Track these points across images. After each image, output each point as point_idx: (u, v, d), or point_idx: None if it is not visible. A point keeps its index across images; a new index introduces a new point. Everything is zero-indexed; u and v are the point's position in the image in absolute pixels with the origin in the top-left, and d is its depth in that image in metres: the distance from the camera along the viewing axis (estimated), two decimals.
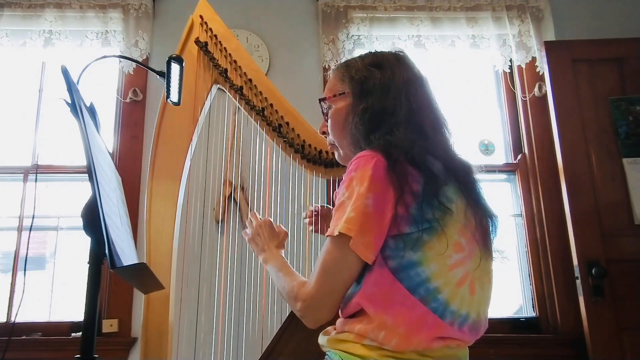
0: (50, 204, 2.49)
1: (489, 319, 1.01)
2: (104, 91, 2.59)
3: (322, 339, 1.02)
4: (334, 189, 1.54)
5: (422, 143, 0.97)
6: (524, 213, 2.53)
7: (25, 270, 1.73)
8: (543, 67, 2.55)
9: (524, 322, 2.41)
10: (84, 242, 0.96)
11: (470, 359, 1.00)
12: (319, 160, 1.60)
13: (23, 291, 1.48)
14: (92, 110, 1.19)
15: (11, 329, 2.11)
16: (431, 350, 0.92)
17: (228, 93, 1.68)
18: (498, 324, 2.35)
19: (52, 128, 2.51)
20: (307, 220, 1.48)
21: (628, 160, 2.33)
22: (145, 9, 2.57)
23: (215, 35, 1.69)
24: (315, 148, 1.61)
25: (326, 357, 0.99)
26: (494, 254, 1.02)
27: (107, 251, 0.87)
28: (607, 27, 2.61)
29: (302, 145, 1.61)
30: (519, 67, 2.63)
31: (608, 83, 2.42)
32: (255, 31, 2.62)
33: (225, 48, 1.69)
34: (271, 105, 1.65)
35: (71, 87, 1.00)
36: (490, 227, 1.02)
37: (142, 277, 1.16)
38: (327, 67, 2.55)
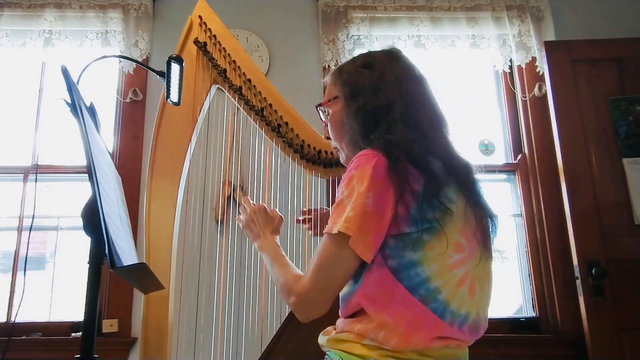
0: (50, 204, 2.49)
1: (489, 319, 1.01)
2: (104, 91, 2.59)
3: (322, 339, 1.02)
4: (333, 189, 1.55)
5: (422, 142, 0.97)
6: (524, 213, 2.53)
7: (25, 270, 1.73)
8: (543, 67, 2.55)
9: (524, 322, 2.41)
10: (84, 242, 0.96)
11: (470, 359, 1.00)
12: (318, 160, 1.60)
13: (23, 291, 1.48)
14: (92, 110, 1.19)
15: (11, 329, 2.11)
16: (431, 350, 0.92)
17: (227, 93, 1.68)
18: (498, 324, 2.35)
19: (52, 128, 2.51)
20: (305, 226, 1.48)
21: (628, 160, 2.33)
22: (145, 9, 2.57)
23: (215, 36, 1.69)
24: (314, 148, 1.61)
25: (326, 357, 0.99)
26: (494, 254, 1.02)
27: (107, 251, 0.87)
28: (607, 27, 2.61)
29: (302, 145, 1.61)
30: (519, 67, 2.63)
31: (608, 83, 2.42)
32: (255, 31, 2.62)
33: (224, 48, 1.69)
34: (270, 105, 1.65)
35: (71, 87, 1.00)
36: (491, 227, 1.02)
37: (142, 277, 1.16)
38: (327, 67, 2.55)
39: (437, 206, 0.91)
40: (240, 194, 1.34)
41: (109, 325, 2.23)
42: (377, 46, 2.59)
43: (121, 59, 2.46)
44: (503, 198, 2.63)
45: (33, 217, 1.75)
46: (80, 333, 0.96)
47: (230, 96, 1.67)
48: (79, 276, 2.29)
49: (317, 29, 2.66)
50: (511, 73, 2.70)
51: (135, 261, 1.09)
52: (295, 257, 1.76)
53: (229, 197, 2.34)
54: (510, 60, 2.65)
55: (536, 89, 2.60)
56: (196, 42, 1.68)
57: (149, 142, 2.24)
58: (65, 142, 2.54)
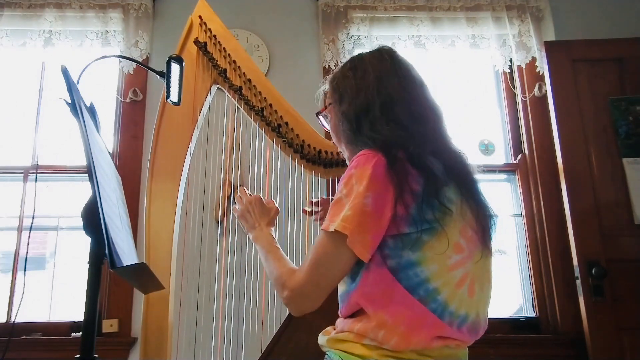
0: (50, 204, 2.49)
1: (489, 319, 1.01)
2: (104, 91, 2.59)
3: (321, 339, 1.03)
4: (333, 189, 1.55)
5: (416, 139, 0.97)
6: (524, 213, 2.53)
7: (25, 270, 1.73)
8: (543, 67, 2.55)
9: (524, 322, 2.41)
10: (84, 242, 0.96)
11: (470, 359, 1.00)
12: (318, 160, 1.60)
13: (23, 291, 1.48)
14: (92, 110, 1.19)
15: (11, 329, 2.11)
16: (431, 350, 0.92)
17: (227, 93, 1.68)
18: (498, 324, 2.35)
19: (52, 128, 2.51)
20: (312, 217, 1.47)
21: (628, 160, 2.33)
22: (145, 9, 2.57)
23: (215, 36, 1.69)
24: (314, 148, 1.61)
25: (326, 356, 0.99)
26: (495, 254, 1.02)
27: (107, 251, 0.87)
28: (607, 27, 2.61)
29: (302, 145, 1.61)
30: (519, 67, 2.63)
31: (608, 83, 2.42)
32: (255, 31, 2.62)
33: (224, 48, 1.69)
34: (270, 105, 1.65)
35: (71, 87, 1.00)
36: (491, 227, 1.02)
37: (142, 277, 1.16)
38: (327, 67, 2.55)
39: (437, 206, 0.91)
40: (240, 189, 1.34)
41: (109, 325, 2.23)
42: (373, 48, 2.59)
43: (121, 59, 2.46)
44: (503, 198, 2.62)
45: (33, 217, 1.75)
46: (80, 333, 0.96)
47: (230, 96, 1.67)
48: (79, 276, 2.29)
49: (317, 29, 2.66)
50: (511, 73, 2.70)
51: (135, 261, 1.09)
52: (295, 256, 1.76)
53: (229, 198, 2.34)
54: (510, 60, 2.65)
55: (536, 89, 2.60)
56: (196, 42, 1.68)
57: (149, 142, 2.24)
58: (65, 142, 2.54)
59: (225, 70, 1.67)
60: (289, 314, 1.51)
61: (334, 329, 1.02)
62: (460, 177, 0.99)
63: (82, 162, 1.81)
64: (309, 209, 1.47)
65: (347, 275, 0.98)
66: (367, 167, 0.92)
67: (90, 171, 0.93)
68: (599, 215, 2.26)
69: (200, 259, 2.04)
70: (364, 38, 2.63)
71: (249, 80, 1.67)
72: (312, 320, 1.45)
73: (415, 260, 0.90)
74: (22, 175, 2.43)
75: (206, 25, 1.70)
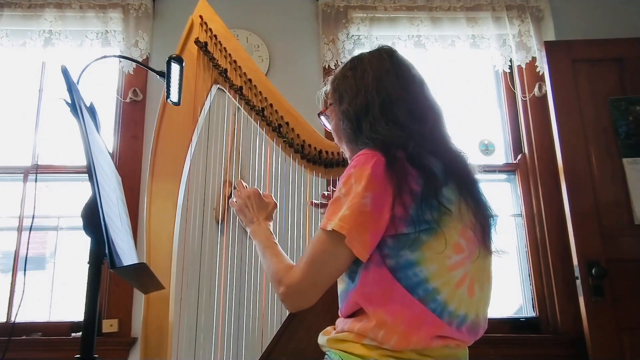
0: (50, 204, 2.49)
1: (489, 319, 1.01)
2: (104, 91, 2.59)
3: (321, 339, 1.03)
4: (333, 189, 1.54)
5: (416, 139, 0.97)
6: (524, 213, 2.53)
7: (25, 270, 1.73)
8: (543, 67, 2.55)
9: (524, 322, 2.41)
10: (84, 242, 0.96)
11: (470, 359, 1.00)
12: (319, 160, 1.60)
13: (23, 291, 1.48)
14: (92, 110, 1.19)
15: (11, 329, 2.11)
16: (431, 350, 0.92)
17: (228, 93, 1.68)
18: (498, 324, 2.35)
19: (52, 128, 2.51)
20: (320, 210, 1.47)
21: (628, 160, 2.33)
22: (145, 9, 2.56)
23: (215, 36, 1.69)
24: (315, 148, 1.61)
25: (326, 356, 0.99)
26: (496, 255, 1.02)
27: (107, 251, 0.87)
28: (607, 27, 2.61)
29: (302, 145, 1.61)
30: (519, 67, 2.63)
31: (608, 83, 2.42)
32: (255, 31, 2.62)
33: (225, 48, 1.69)
34: (271, 105, 1.65)
35: (71, 87, 1.00)
36: (491, 227, 1.02)
37: (142, 277, 1.16)
38: (327, 67, 2.55)
39: (436, 207, 0.91)
40: (237, 182, 1.34)
41: (109, 325, 2.23)
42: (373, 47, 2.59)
43: (121, 59, 2.46)
44: (503, 198, 2.63)
45: (33, 217, 1.75)
46: (80, 333, 0.96)
47: (231, 96, 1.67)
48: (79, 276, 2.29)
49: (317, 29, 2.66)
50: (511, 73, 2.70)
51: (135, 261, 1.09)
52: (295, 256, 1.76)
53: (229, 197, 2.33)
54: (510, 60, 2.65)
55: (536, 89, 2.60)
56: (197, 42, 1.68)
57: (149, 142, 2.24)
58: (65, 142, 2.54)
59: (225, 70, 1.67)
60: (290, 314, 1.51)
61: (334, 329, 1.02)
62: (460, 177, 0.99)
63: (82, 162, 1.81)
64: (317, 202, 1.46)
65: (346, 274, 0.98)
66: (366, 167, 0.92)
67: (90, 171, 0.93)
68: (599, 215, 2.26)
69: (200, 259, 2.04)
70: (364, 38, 2.63)
71: (250, 80, 1.67)
72: (312, 320, 1.45)
73: (415, 260, 0.90)
74: (22, 175, 2.43)
75: (207, 25, 1.70)
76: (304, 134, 1.63)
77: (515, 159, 2.62)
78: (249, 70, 1.68)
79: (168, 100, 1.57)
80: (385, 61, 1.08)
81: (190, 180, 1.73)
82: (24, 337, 2.21)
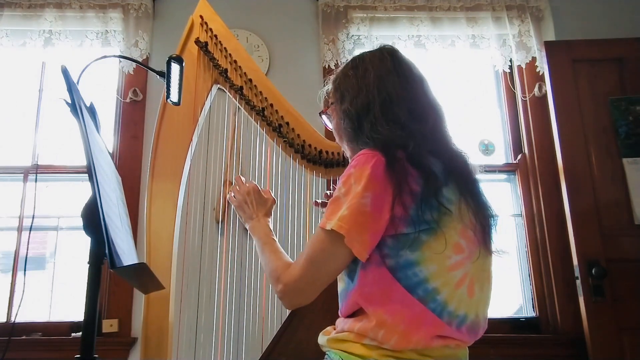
0: (50, 204, 2.49)
1: (489, 319, 1.01)
2: (104, 91, 2.59)
3: (322, 339, 1.03)
4: (334, 189, 1.54)
5: (416, 139, 0.97)
6: (524, 213, 2.53)
7: (25, 270, 1.73)
8: (543, 67, 2.55)
9: (524, 322, 2.41)
10: (84, 242, 0.96)
11: (470, 359, 1.00)
12: (319, 160, 1.60)
13: (23, 291, 1.48)
14: (92, 110, 1.19)
15: (11, 329, 2.11)
16: (431, 350, 0.92)
17: (228, 93, 1.68)
18: (498, 324, 2.35)
19: (52, 128, 2.51)
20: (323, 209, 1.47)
21: (628, 160, 2.33)
22: (145, 9, 2.56)
23: (216, 35, 1.69)
24: (315, 148, 1.61)
25: (326, 356, 0.99)
26: (497, 255, 1.02)
27: (107, 251, 0.87)
28: (607, 27, 2.61)
29: (302, 145, 1.61)
30: (519, 67, 2.63)
31: (608, 83, 2.42)
32: (255, 31, 2.62)
33: (225, 48, 1.69)
34: (271, 105, 1.65)
35: (71, 87, 1.00)
36: (491, 227, 1.02)
37: (142, 277, 1.16)
38: (327, 67, 2.55)
39: (436, 207, 0.91)
40: (236, 177, 1.34)
41: (109, 325, 2.23)
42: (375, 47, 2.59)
43: (121, 59, 2.46)
44: (503, 198, 2.63)
45: (33, 217, 1.75)
46: (80, 333, 0.96)
47: (231, 96, 1.67)
48: (79, 276, 2.29)
49: (317, 29, 2.66)
50: (511, 73, 2.70)
51: (135, 261, 1.09)
52: (295, 256, 1.75)
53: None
54: (510, 60, 2.65)
55: (536, 89, 2.60)
56: (197, 42, 1.67)
57: (149, 142, 2.24)
58: (65, 142, 2.54)
59: (226, 70, 1.67)
60: (290, 314, 1.51)
61: (334, 329, 1.02)
62: (460, 177, 0.98)
63: (82, 162, 1.81)
64: (320, 201, 1.46)
65: (346, 273, 0.98)
66: (366, 167, 0.92)
67: (90, 171, 0.93)
68: (599, 215, 2.26)
69: (200, 259, 2.04)
70: (364, 38, 2.63)
71: (250, 80, 1.67)
72: (312, 320, 1.45)
73: (414, 260, 0.90)
74: (22, 175, 2.43)
75: (207, 25, 1.69)
76: (304, 134, 1.63)
77: (515, 159, 2.62)
78: (250, 70, 1.68)
79: (168, 100, 1.57)
80: (387, 60, 1.08)
81: (190, 181, 1.73)
82: (24, 337, 2.21)
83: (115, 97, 2.55)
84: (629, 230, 2.25)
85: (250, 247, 2.14)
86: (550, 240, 2.42)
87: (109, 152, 1.78)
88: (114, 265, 0.87)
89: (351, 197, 0.91)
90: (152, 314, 1.49)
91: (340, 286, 1.01)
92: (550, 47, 2.47)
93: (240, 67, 1.68)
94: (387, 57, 1.09)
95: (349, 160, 1.13)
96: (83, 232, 0.96)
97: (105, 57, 1.67)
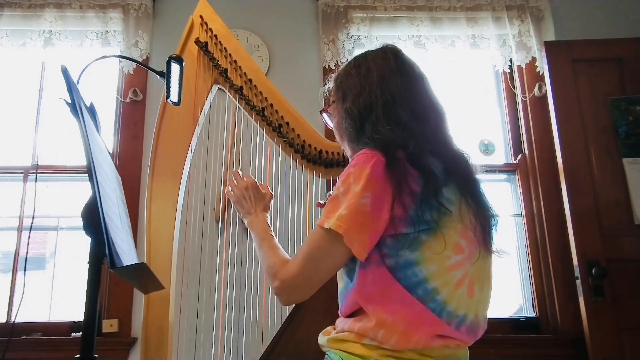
0: (50, 204, 2.49)
1: (489, 319, 1.01)
2: (104, 91, 2.59)
3: (322, 339, 1.03)
4: None
5: (417, 139, 0.97)
6: (524, 213, 2.53)
7: (25, 270, 1.73)
8: (543, 67, 2.55)
9: (524, 322, 2.41)
10: (84, 242, 0.96)
11: (470, 359, 1.00)
12: (319, 160, 1.60)
13: (23, 291, 1.48)
14: (92, 110, 1.19)
15: (11, 329, 2.11)
16: (431, 350, 0.92)
17: (228, 93, 1.68)
18: (498, 324, 2.35)
19: (52, 128, 2.51)
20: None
21: (628, 160, 2.33)
22: (145, 9, 2.56)
23: (216, 35, 1.69)
24: (315, 148, 1.61)
25: (326, 356, 0.99)
26: (498, 255, 1.02)
27: (107, 251, 0.87)
28: (607, 27, 2.61)
29: (302, 145, 1.61)
30: (519, 67, 2.63)
31: (608, 83, 2.42)
32: (255, 31, 2.62)
33: (225, 48, 1.69)
34: (271, 105, 1.65)
35: (71, 87, 1.00)
36: (491, 228, 1.01)
37: (142, 277, 1.16)
38: (327, 67, 2.55)
39: (436, 207, 0.91)
40: (234, 172, 1.34)
41: (109, 325, 2.23)
42: (377, 46, 2.59)
43: (121, 59, 2.46)
44: (503, 198, 2.63)
45: (33, 217, 1.75)
46: (80, 333, 0.96)
47: (231, 96, 1.67)
48: (79, 276, 2.29)
49: (317, 29, 2.66)
50: (511, 73, 2.70)
51: (135, 261, 1.09)
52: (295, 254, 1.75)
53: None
54: (510, 60, 2.65)
55: (536, 89, 2.60)
56: (197, 42, 1.68)
57: (149, 142, 2.24)
58: (65, 142, 2.54)
59: (226, 70, 1.67)
60: (290, 314, 1.52)
61: (334, 329, 1.02)
62: (461, 177, 0.98)
63: (82, 162, 1.81)
64: (322, 202, 1.46)
65: (345, 273, 0.98)
66: (365, 167, 0.92)
67: (90, 171, 0.93)
68: (599, 215, 2.26)
69: (200, 259, 2.04)
70: (364, 38, 2.63)
71: (250, 80, 1.67)
72: (312, 320, 1.46)
73: (414, 260, 0.90)
74: (22, 175, 2.43)
75: (207, 25, 1.70)
76: (304, 134, 1.63)
77: (515, 159, 2.62)
78: (249, 70, 1.68)
79: (168, 100, 1.57)
80: (390, 60, 1.07)
81: (190, 180, 1.73)
82: (24, 337, 2.21)
83: (115, 97, 2.55)
84: (629, 230, 2.25)
85: (250, 247, 2.14)
86: (550, 240, 2.42)
87: (109, 152, 1.78)
88: (114, 265, 0.87)
89: (350, 196, 0.91)
90: (152, 314, 1.49)
91: (340, 286, 1.02)
92: (550, 47, 2.47)
93: (240, 67, 1.68)
94: (390, 57, 1.08)
95: (349, 160, 1.14)
96: (83, 232, 0.96)
97: (105, 57, 1.67)
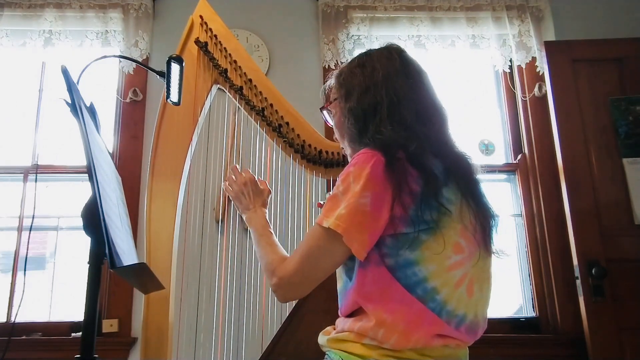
0: (50, 204, 2.49)
1: (489, 319, 1.01)
2: (104, 91, 2.59)
3: (321, 339, 1.03)
4: None
5: (418, 139, 0.97)
6: (524, 213, 2.53)
7: (25, 270, 1.73)
8: (543, 67, 2.55)
9: (524, 322, 2.41)
10: (84, 242, 0.96)
11: (470, 359, 1.00)
12: (319, 160, 1.60)
13: (23, 291, 1.48)
14: (92, 110, 1.19)
15: (11, 329, 2.11)
16: (431, 349, 0.92)
17: (228, 93, 1.68)
18: (498, 324, 2.35)
19: (52, 128, 2.51)
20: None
21: (628, 160, 2.33)
22: (145, 9, 2.57)
23: (215, 35, 1.69)
24: (315, 148, 1.61)
25: (326, 356, 0.99)
26: (498, 255, 1.01)
27: (107, 251, 0.87)
28: (607, 27, 2.61)
29: (302, 145, 1.61)
30: (519, 67, 2.63)
31: (608, 83, 2.42)
32: (255, 31, 2.62)
33: (225, 48, 1.69)
34: (271, 105, 1.65)
35: (71, 87, 1.00)
36: (492, 228, 1.01)
37: (142, 277, 1.16)
38: (327, 67, 2.55)
39: (436, 207, 0.91)
40: (232, 167, 1.34)
41: (109, 325, 2.23)
42: (377, 46, 2.59)
43: (121, 59, 2.46)
44: (503, 198, 2.63)
45: (33, 217, 1.75)
46: (80, 333, 0.96)
47: (231, 96, 1.67)
48: (79, 276, 2.29)
49: (317, 29, 2.66)
50: (511, 73, 2.70)
51: (135, 261, 1.09)
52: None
53: (229, 197, 2.33)
54: (510, 60, 2.65)
55: (536, 89, 2.60)
56: (197, 42, 1.68)
57: (149, 142, 2.24)
58: (65, 142, 2.54)
59: (226, 70, 1.67)
60: (290, 314, 1.52)
61: (334, 329, 1.02)
62: (462, 178, 0.98)
63: (82, 162, 1.81)
64: (323, 202, 1.46)
65: (344, 272, 0.98)
66: (365, 166, 0.92)
67: (90, 171, 0.93)
68: (599, 215, 2.26)
69: (200, 259, 2.04)
70: (364, 38, 2.63)
71: (250, 80, 1.67)
72: (312, 320, 1.46)
73: (414, 260, 0.90)
74: (22, 175, 2.43)
75: (207, 25, 1.70)
76: (304, 134, 1.63)
77: (515, 159, 2.62)
78: (249, 70, 1.68)
79: (168, 100, 1.57)
80: (396, 60, 1.07)
81: (190, 180, 1.73)
82: (24, 337, 2.21)
83: (115, 97, 2.55)
84: (629, 230, 2.25)
85: (250, 247, 2.14)
86: (550, 240, 2.42)
87: (109, 152, 1.78)
88: (114, 265, 0.87)
89: (350, 196, 0.91)
90: (152, 314, 1.49)
91: (339, 285, 1.02)
92: (550, 47, 2.47)
93: (240, 67, 1.68)
94: (396, 57, 1.08)
95: (348, 159, 1.13)
96: (83, 232, 0.96)
97: (105, 57, 1.67)
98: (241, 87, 1.66)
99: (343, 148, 1.17)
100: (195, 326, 2.00)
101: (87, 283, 0.97)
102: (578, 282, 2.20)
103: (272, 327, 1.89)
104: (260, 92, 1.67)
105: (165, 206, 1.56)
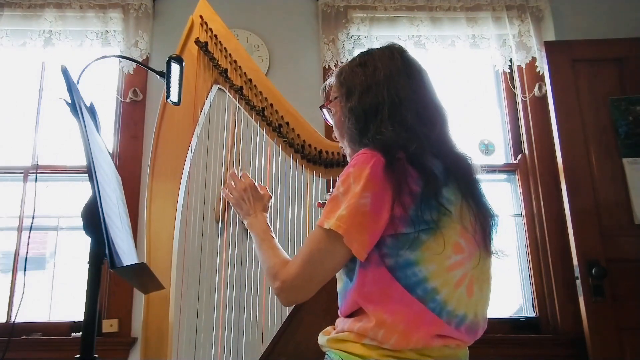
0: (50, 204, 2.49)
1: (489, 319, 1.01)
2: (104, 91, 2.59)
3: (321, 339, 1.03)
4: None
5: (419, 140, 0.96)
6: (524, 213, 2.53)
7: (25, 270, 1.73)
8: (543, 67, 2.55)
9: (524, 322, 2.41)
10: (84, 242, 0.96)
11: (470, 359, 1.00)
12: (319, 160, 1.60)
13: (23, 291, 1.48)
14: (92, 110, 1.19)
15: (11, 329, 2.11)
16: (431, 350, 0.92)
17: (228, 93, 1.68)
18: (498, 324, 2.35)
19: (52, 128, 2.51)
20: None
21: (628, 160, 2.33)
22: (145, 9, 2.57)
23: (216, 35, 1.69)
24: (315, 148, 1.61)
25: (326, 356, 0.99)
26: (498, 255, 1.01)
27: (107, 251, 0.87)
28: (607, 27, 2.61)
29: (302, 145, 1.61)
30: (519, 67, 2.63)
31: (608, 83, 2.42)
32: (255, 31, 2.62)
33: (225, 48, 1.69)
34: (271, 105, 1.65)
35: (71, 87, 1.00)
36: (491, 228, 1.01)
37: (142, 277, 1.16)
38: (327, 67, 2.55)
39: (435, 207, 0.91)
40: (231, 173, 1.33)
41: (109, 325, 2.23)
42: (377, 46, 2.59)
43: (121, 59, 2.46)
44: (503, 198, 2.63)
45: (33, 217, 1.75)
46: (80, 333, 0.96)
47: (231, 96, 1.67)
48: (79, 276, 2.29)
49: (317, 29, 2.66)
50: (511, 73, 2.70)
51: (135, 261, 1.09)
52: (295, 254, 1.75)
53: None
54: (510, 60, 2.65)
55: (536, 89, 2.60)
56: (197, 42, 1.68)
57: (149, 142, 2.24)
58: (65, 142, 2.54)
59: (226, 70, 1.67)
60: (290, 315, 1.52)
61: (334, 329, 1.02)
62: (462, 178, 0.98)
63: (82, 162, 1.81)
64: (323, 202, 1.46)
65: (344, 273, 0.98)
66: (365, 167, 0.92)
67: (90, 171, 0.93)
68: (599, 215, 2.26)
69: (200, 259, 2.04)
70: (364, 38, 2.63)
71: (250, 80, 1.67)
72: (312, 320, 1.46)
73: (414, 260, 0.90)
74: (22, 175, 2.43)
75: (207, 25, 1.70)
76: (304, 134, 1.63)
77: (515, 159, 2.62)
78: (249, 70, 1.68)
79: (168, 100, 1.57)
80: (397, 60, 1.06)
81: (190, 180, 1.73)
82: (24, 337, 2.21)
83: (115, 97, 2.55)
84: (629, 230, 2.25)
85: (250, 247, 2.14)
86: (550, 240, 2.42)
87: (109, 152, 1.78)
88: (114, 265, 0.87)
89: (350, 196, 0.91)
90: (152, 314, 1.49)
91: (339, 285, 1.02)
92: (550, 47, 2.47)
93: (240, 67, 1.68)
94: (398, 56, 1.07)
95: (348, 159, 1.13)
96: (83, 232, 0.96)
97: (105, 57, 1.67)
98: (241, 87, 1.66)
99: (342, 147, 1.16)
100: (195, 326, 2.00)
101: (87, 283, 0.97)
102: (578, 282, 2.20)
103: (272, 327, 1.89)
104: (261, 92, 1.67)
105: (165, 206, 1.56)
